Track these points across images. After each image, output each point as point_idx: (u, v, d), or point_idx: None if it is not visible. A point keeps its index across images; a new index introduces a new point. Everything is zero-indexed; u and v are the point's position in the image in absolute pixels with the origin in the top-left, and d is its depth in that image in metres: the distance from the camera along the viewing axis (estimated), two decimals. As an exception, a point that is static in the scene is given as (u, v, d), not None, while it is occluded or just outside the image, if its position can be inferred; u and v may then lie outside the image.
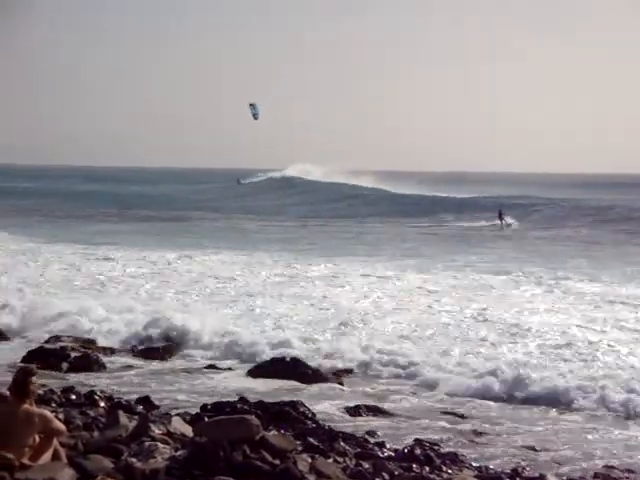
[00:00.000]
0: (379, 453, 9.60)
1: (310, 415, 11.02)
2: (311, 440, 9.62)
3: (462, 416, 11.92)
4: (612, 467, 9.64)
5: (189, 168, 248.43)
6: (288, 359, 14.27)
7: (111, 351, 15.60)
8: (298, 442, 9.34)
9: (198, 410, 11.03)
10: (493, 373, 13.45)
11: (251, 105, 53.55)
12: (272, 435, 8.73)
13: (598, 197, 70.61)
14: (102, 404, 11.14)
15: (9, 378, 8.55)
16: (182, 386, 13.30)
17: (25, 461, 6.85)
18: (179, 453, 8.19)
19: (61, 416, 9.22)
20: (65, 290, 21.30)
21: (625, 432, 11.21)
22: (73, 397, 11.47)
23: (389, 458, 9.45)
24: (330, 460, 8.88)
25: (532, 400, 12.56)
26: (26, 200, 68.70)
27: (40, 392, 7.32)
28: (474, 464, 9.52)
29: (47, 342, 15.52)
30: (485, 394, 12.75)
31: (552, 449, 10.42)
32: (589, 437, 11.00)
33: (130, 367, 14.59)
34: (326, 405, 12.28)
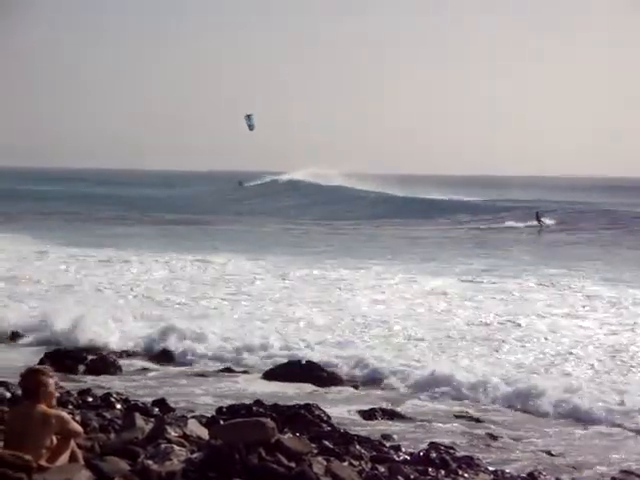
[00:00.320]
0: (395, 456, 9.59)
1: (325, 418, 11.02)
2: (326, 443, 9.62)
3: (478, 420, 11.89)
4: (629, 472, 9.59)
5: (187, 171, 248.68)
6: (303, 362, 14.28)
7: (127, 354, 15.66)
8: (313, 445, 9.33)
9: (214, 413, 11.06)
10: (508, 380, 13.40)
11: (247, 116, 54.27)
12: (287, 438, 8.73)
13: (631, 202, 70.17)
14: (118, 406, 11.19)
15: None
16: (198, 389, 13.33)
17: (42, 462, 6.88)
18: (195, 455, 8.20)
19: (78, 418, 9.27)
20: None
21: (643, 437, 11.15)
22: (90, 399, 11.53)
23: (405, 462, 9.43)
24: (345, 463, 8.87)
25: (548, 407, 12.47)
26: (38, 203, 68.94)
27: (56, 394, 7.29)
28: (490, 468, 9.49)
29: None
30: (503, 401, 12.64)
31: (569, 453, 10.38)
32: (606, 441, 10.94)
33: (146, 370, 14.64)
34: (341, 408, 12.27)
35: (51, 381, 7.13)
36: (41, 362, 13.74)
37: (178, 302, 20.46)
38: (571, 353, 15.21)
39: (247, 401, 11.79)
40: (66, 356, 14.48)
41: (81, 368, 14.31)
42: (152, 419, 10.10)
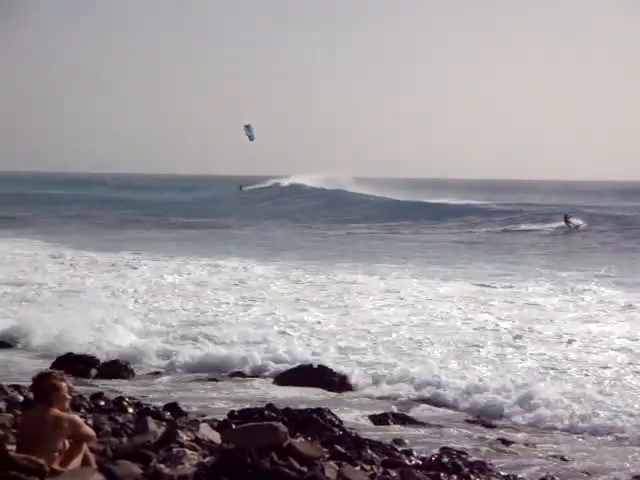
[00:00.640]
0: (406, 461, 9.57)
1: (337, 422, 11.01)
2: (338, 447, 9.61)
3: (490, 425, 11.85)
4: (642, 477, 9.56)
5: (180, 175, 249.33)
6: (315, 366, 14.28)
7: (135, 359, 15.61)
8: (325, 449, 9.33)
9: (225, 417, 11.07)
10: (520, 385, 13.36)
11: (246, 127, 54.76)
12: (299, 442, 8.73)
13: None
14: (130, 410, 11.20)
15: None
16: (210, 393, 13.35)
17: (55, 466, 6.90)
18: (207, 459, 8.22)
19: (90, 422, 9.29)
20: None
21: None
22: (102, 403, 11.54)
23: (416, 466, 9.42)
24: (357, 468, 8.86)
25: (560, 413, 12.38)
26: (54, 207, 69.46)
27: (68, 397, 7.31)
28: (502, 473, 9.46)
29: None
30: (515, 407, 12.56)
31: (582, 459, 10.33)
32: (620, 447, 10.88)
33: (158, 374, 14.66)
34: (352, 413, 12.26)
35: (64, 385, 7.15)
36: (53, 366, 13.77)
37: (189, 307, 20.45)
38: (584, 360, 15.06)
39: (259, 405, 11.81)
40: (78, 360, 14.51)
41: (93, 372, 14.34)
42: (164, 423, 10.11)
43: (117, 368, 14.54)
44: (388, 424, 11.84)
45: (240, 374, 14.57)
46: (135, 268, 28.10)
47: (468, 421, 12.05)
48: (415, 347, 16.11)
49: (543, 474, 9.55)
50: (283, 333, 17.04)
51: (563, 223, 49.47)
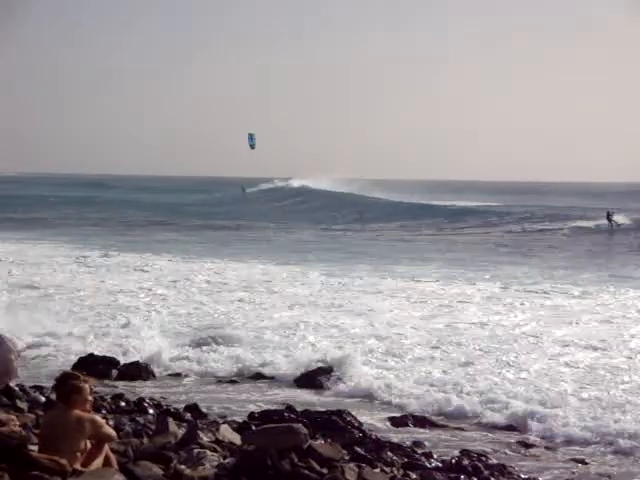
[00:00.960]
0: (426, 463, 9.56)
1: (357, 424, 11.00)
2: (358, 449, 9.62)
3: (510, 427, 11.79)
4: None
5: (180, 176, 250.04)
6: (335, 368, 14.28)
7: (158, 362, 15.63)
8: (345, 451, 9.34)
9: (245, 418, 11.10)
10: (540, 389, 13.29)
11: (249, 136, 56.05)
12: (319, 444, 8.75)
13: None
14: (151, 411, 11.26)
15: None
16: (229, 394, 13.37)
17: (77, 466, 6.94)
18: (227, 461, 8.25)
19: (111, 423, 9.34)
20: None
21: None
22: (123, 404, 11.61)
23: (436, 469, 9.41)
24: (377, 470, 8.86)
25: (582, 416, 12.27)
26: (73, 209, 70.00)
27: (90, 399, 7.35)
28: (523, 476, 9.44)
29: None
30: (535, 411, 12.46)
31: (603, 462, 10.26)
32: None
33: (178, 375, 14.70)
34: (372, 415, 12.24)
35: (86, 386, 7.20)
36: (74, 367, 13.84)
37: (212, 308, 20.51)
38: (609, 365, 14.92)
39: (279, 407, 11.83)
40: (99, 361, 14.58)
41: (114, 373, 14.40)
42: (184, 424, 10.15)
43: (137, 369, 14.58)
44: (408, 426, 11.81)
45: (260, 375, 14.55)
46: (158, 269, 28.28)
47: (489, 424, 11.97)
48: (435, 349, 16.06)
49: (564, 478, 9.50)
50: (303, 335, 17.02)
51: (605, 221, 48.93)
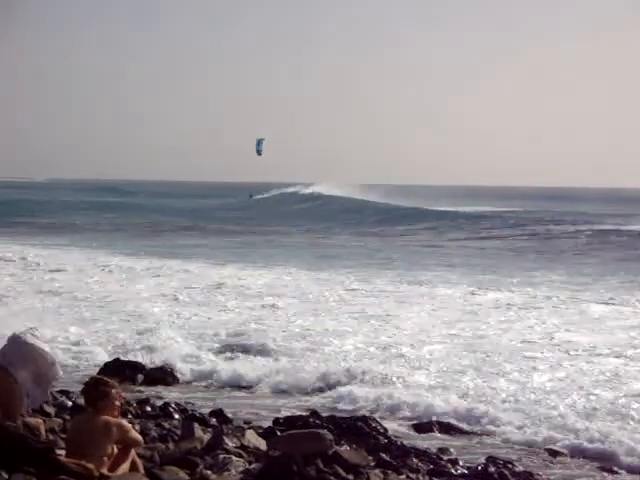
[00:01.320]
0: (452, 470, 9.52)
1: (382, 430, 10.98)
2: (383, 456, 9.60)
3: (537, 435, 11.69)
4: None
5: (187, 181, 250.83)
6: (359, 372, 14.25)
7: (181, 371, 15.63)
8: (370, 457, 9.34)
9: (271, 424, 11.10)
10: (568, 392, 13.19)
11: (258, 141, 56.35)
12: (345, 450, 8.75)
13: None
14: (177, 416, 11.30)
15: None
16: (254, 400, 13.38)
17: (104, 471, 6.98)
18: (253, 466, 8.26)
19: (137, 427, 9.39)
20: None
21: None
22: (148, 409, 11.65)
23: (462, 475, 9.38)
24: (403, 476, 8.86)
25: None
26: (98, 214, 70.58)
27: (118, 404, 7.38)
28: (550, 482, 9.39)
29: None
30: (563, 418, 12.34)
31: (632, 470, 10.15)
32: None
33: (203, 380, 14.70)
34: (397, 421, 12.19)
35: (114, 392, 7.23)
36: (100, 371, 13.91)
37: (235, 315, 20.55)
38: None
39: (304, 412, 11.82)
40: (125, 366, 14.64)
41: (139, 378, 14.44)
42: (210, 429, 10.18)
43: (163, 374, 14.63)
44: (433, 432, 11.76)
45: (284, 382, 14.49)
46: (184, 273, 28.42)
47: (516, 430, 11.87)
48: (465, 357, 15.96)
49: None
50: (329, 343, 16.92)
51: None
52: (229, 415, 11.64)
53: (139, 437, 7.47)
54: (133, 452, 7.34)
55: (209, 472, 8.08)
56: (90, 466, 6.83)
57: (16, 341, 7.39)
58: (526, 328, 18.89)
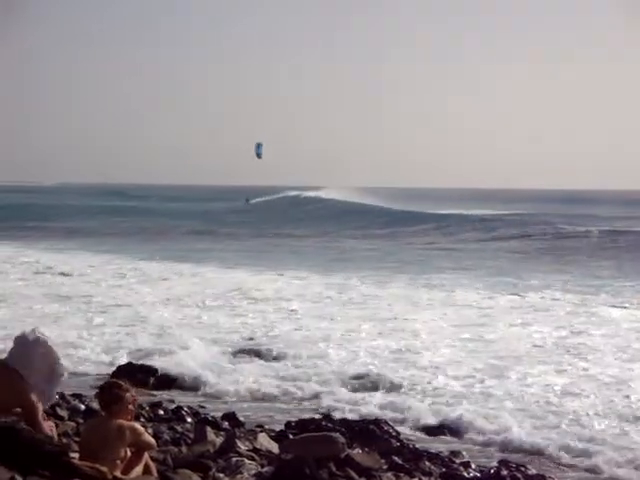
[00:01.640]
0: (465, 473, 9.52)
1: (394, 434, 10.97)
2: (396, 459, 9.60)
3: (549, 439, 11.66)
4: None
5: (189, 185, 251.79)
6: (373, 374, 14.28)
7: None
8: (383, 461, 9.34)
9: (283, 427, 11.11)
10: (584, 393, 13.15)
11: (257, 145, 57.43)
12: (357, 453, 8.76)
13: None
14: (189, 420, 11.33)
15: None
16: (266, 403, 13.39)
17: (117, 474, 6.99)
18: (265, 469, 8.28)
19: (150, 431, 9.40)
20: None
21: None
22: (161, 412, 11.69)
23: (475, 479, 9.37)
24: (415, 479, 8.85)
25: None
26: (114, 218, 70.96)
27: (132, 408, 7.40)
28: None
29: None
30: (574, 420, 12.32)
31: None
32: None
33: (216, 384, 14.70)
34: (410, 424, 12.18)
35: (128, 395, 7.25)
36: (113, 375, 13.95)
37: (248, 320, 20.57)
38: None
39: (316, 416, 11.83)
40: (138, 369, 14.68)
41: (152, 381, 14.48)
42: (222, 433, 10.21)
43: (174, 378, 14.67)
44: (444, 435, 11.75)
45: (297, 387, 14.50)
46: (201, 277, 28.62)
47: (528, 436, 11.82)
48: (478, 360, 15.95)
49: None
50: (343, 349, 16.84)
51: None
52: (241, 419, 11.67)
53: (152, 440, 7.48)
54: (146, 455, 7.35)
55: (222, 475, 8.10)
56: (104, 469, 6.85)
57: (23, 340, 7.39)
58: (539, 332, 18.83)
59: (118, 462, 7.10)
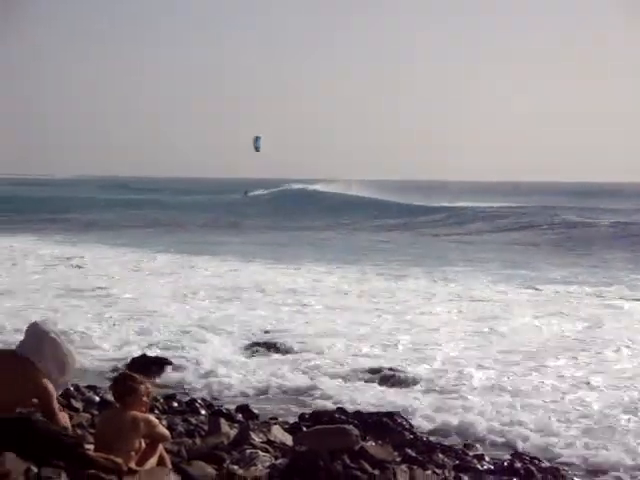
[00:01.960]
0: (478, 466, 9.51)
1: (408, 426, 10.98)
2: (409, 451, 9.61)
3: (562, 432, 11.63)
4: None
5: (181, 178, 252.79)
6: (386, 368, 14.26)
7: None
8: (396, 453, 9.35)
9: (296, 419, 11.14)
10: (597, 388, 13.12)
11: (255, 138, 57.82)
12: (371, 445, 8.77)
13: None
14: (203, 412, 11.37)
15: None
16: (280, 396, 13.41)
17: (132, 466, 7.04)
18: (279, 461, 8.30)
19: (164, 423, 9.44)
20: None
21: None
22: (175, 405, 11.74)
23: (488, 471, 9.37)
24: (428, 472, 8.84)
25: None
26: (129, 211, 71.20)
27: (146, 400, 7.44)
28: (576, 479, 9.34)
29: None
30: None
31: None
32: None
33: (229, 377, 14.74)
34: (423, 417, 12.16)
35: (142, 387, 7.29)
36: (128, 367, 14.01)
37: (264, 313, 20.61)
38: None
39: (329, 408, 11.84)
40: (152, 362, 14.73)
41: (166, 373, 14.51)
42: (236, 425, 10.24)
43: (188, 371, 14.70)
44: (458, 428, 11.71)
45: (311, 380, 14.51)
46: (216, 269, 28.67)
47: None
48: (492, 351, 15.95)
49: (619, 481, 9.38)
50: (358, 344, 16.80)
51: None
52: (255, 411, 11.69)
53: (166, 432, 7.52)
54: (161, 447, 7.39)
55: (236, 467, 8.13)
56: (119, 460, 6.90)
57: (34, 330, 7.40)
58: (555, 325, 18.77)
59: (132, 454, 7.14)
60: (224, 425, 9.56)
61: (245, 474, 7.80)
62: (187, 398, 12.35)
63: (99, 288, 23.89)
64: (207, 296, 22.83)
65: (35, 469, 6.63)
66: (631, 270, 29.41)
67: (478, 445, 10.68)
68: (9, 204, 74.45)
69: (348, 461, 8.09)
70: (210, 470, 7.85)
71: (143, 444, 7.26)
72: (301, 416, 11.27)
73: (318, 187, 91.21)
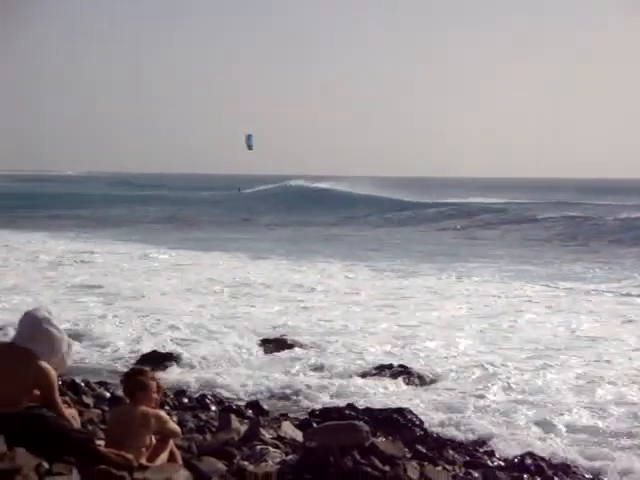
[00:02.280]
0: (489, 462, 9.49)
1: (418, 422, 10.96)
2: (419, 447, 9.60)
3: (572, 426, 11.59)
4: None
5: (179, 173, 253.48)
6: (396, 365, 14.25)
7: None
8: (406, 449, 9.34)
9: (307, 415, 11.13)
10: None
11: (247, 136, 58.53)
12: (381, 441, 8.76)
13: None
14: (213, 408, 11.38)
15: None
16: (289, 391, 13.39)
17: (143, 462, 7.04)
18: (290, 457, 8.30)
19: (175, 419, 9.45)
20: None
21: None
22: (185, 400, 11.75)
23: (499, 468, 9.34)
24: (439, 468, 8.84)
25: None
26: (138, 207, 71.34)
27: (156, 396, 7.44)
28: (587, 476, 9.31)
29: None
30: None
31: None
32: None
33: (239, 374, 14.74)
34: (432, 413, 12.13)
35: (153, 383, 7.29)
36: (137, 363, 14.03)
37: (271, 310, 20.62)
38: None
39: (339, 404, 11.83)
40: (162, 357, 14.76)
41: (177, 369, 14.52)
42: (246, 421, 10.24)
43: (199, 367, 14.72)
44: (468, 425, 11.68)
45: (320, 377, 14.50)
46: (227, 265, 28.80)
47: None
48: (501, 349, 15.92)
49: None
50: (366, 341, 16.76)
51: None
52: (265, 407, 11.70)
53: (177, 428, 7.53)
54: (171, 443, 7.40)
55: (246, 463, 8.13)
56: (129, 456, 6.90)
57: (30, 319, 7.31)
58: (568, 321, 18.70)
59: (143, 449, 7.15)
60: (234, 421, 9.56)
61: (255, 470, 7.79)
62: (197, 394, 12.35)
63: (110, 284, 23.94)
64: (217, 292, 22.86)
65: (46, 465, 6.63)
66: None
67: (490, 442, 10.66)
68: (25, 200, 74.96)
69: (358, 457, 8.08)
70: (220, 466, 7.85)
71: (154, 440, 7.27)
72: (311, 412, 11.27)
73: (321, 184, 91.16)
